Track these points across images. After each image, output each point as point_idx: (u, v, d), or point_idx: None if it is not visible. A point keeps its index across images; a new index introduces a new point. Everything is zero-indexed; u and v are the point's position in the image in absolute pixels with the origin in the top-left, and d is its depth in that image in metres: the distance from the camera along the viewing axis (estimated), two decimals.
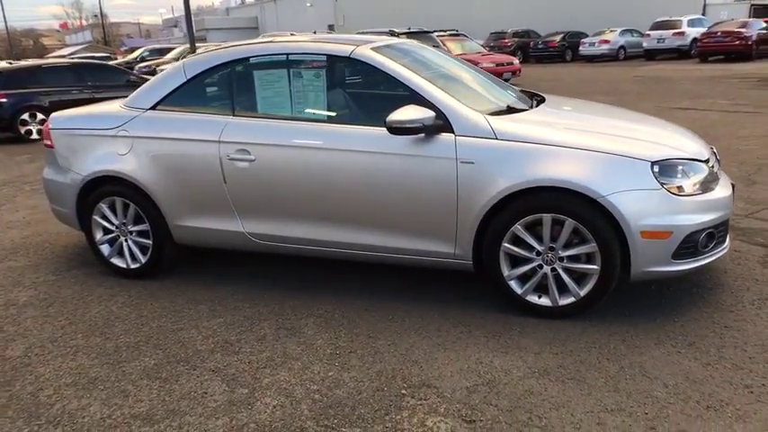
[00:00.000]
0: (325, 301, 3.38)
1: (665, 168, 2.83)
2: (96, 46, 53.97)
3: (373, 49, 3.32)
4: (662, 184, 2.79)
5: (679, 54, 22.88)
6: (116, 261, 3.90)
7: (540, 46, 27.36)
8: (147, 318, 3.33)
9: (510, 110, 3.28)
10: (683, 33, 22.26)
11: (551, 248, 2.92)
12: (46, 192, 4.17)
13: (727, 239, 3.10)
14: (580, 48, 25.60)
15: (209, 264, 4.06)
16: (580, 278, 2.94)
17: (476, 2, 37.29)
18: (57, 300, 3.65)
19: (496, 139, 2.92)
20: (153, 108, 3.65)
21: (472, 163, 2.92)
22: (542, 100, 3.70)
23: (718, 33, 19.97)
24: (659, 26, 23.12)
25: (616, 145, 2.88)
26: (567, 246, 2.89)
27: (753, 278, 3.35)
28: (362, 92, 3.46)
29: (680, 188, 2.84)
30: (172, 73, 3.67)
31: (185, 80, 3.59)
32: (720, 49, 19.93)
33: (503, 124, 2.97)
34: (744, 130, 7.84)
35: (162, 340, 3.07)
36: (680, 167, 2.88)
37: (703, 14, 25.93)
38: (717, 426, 2.17)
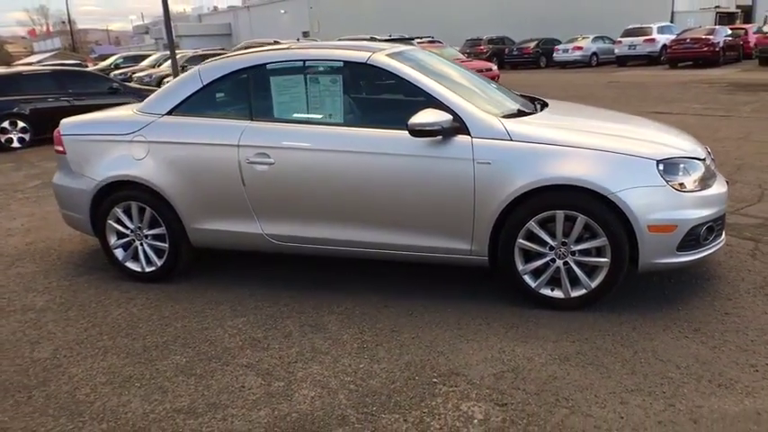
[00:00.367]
0: (343, 299, 3.49)
1: (668, 166, 3.03)
2: (65, 53, 53.00)
3: (388, 55, 3.46)
4: (667, 181, 2.99)
5: (649, 60, 23.59)
6: (131, 265, 3.95)
7: (514, 52, 27.88)
8: (170, 318, 3.41)
9: (520, 113, 3.46)
10: (653, 40, 22.98)
11: (563, 243, 3.09)
12: (57, 197, 4.20)
13: (723, 233, 3.32)
14: (554, 54, 26.18)
15: (222, 267, 4.14)
16: (591, 271, 3.12)
17: (450, 9, 37.81)
18: (75, 304, 3.69)
19: (511, 140, 3.09)
20: (169, 113, 3.72)
21: (489, 163, 3.08)
22: (545, 104, 3.88)
23: (687, 40, 20.67)
24: (630, 33, 23.82)
25: (623, 145, 3.07)
26: (578, 240, 3.07)
27: (746, 269, 3.58)
28: (379, 96, 3.60)
29: (682, 185, 3.04)
30: (188, 79, 3.76)
31: (201, 86, 3.68)
32: (689, 55, 20.63)
33: (516, 126, 3.14)
34: (719, 132, 8.19)
35: (189, 339, 3.14)
36: (681, 165, 3.09)
37: (671, 22, 26.80)
38: (729, 401, 2.35)
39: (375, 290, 3.60)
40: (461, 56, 19.25)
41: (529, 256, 3.19)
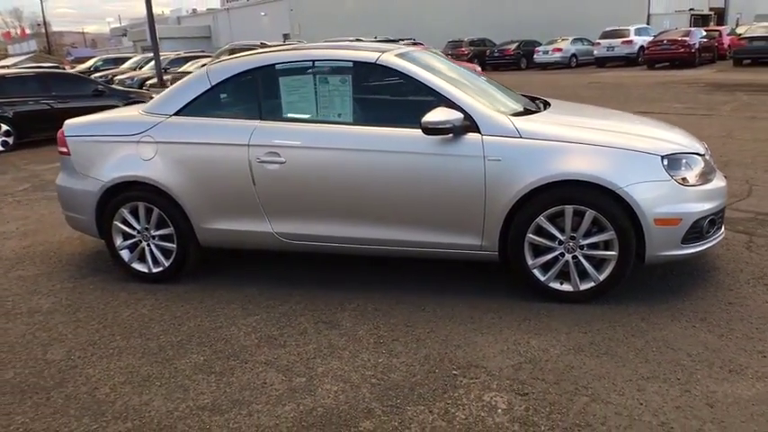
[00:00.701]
0: (355, 296, 3.53)
1: (672, 161, 3.13)
2: (41, 56, 52.11)
3: (397, 55, 3.52)
4: (671, 175, 3.09)
5: (627, 61, 24.04)
6: (137, 266, 3.94)
7: (495, 54, 28.17)
8: (182, 318, 3.41)
9: (526, 111, 3.53)
10: (631, 42, 23.42)
11: (572, 237, 3.17)
12: (60, 199, 4.17)
13: (723, 226, 3.43)
14: (534, 56, 26.51)
15: (228, 267, 4.14)
16: (598, 264, 3.20)
17: (430, 11, 38.05)
18: (82, 305, 3.67)
19: (521, 137, 3.16)
20: (177, 114, 3.72)
21: (499, 160, 3.15)
22: (547, 103, 3.97)
23: (664, 42, 21.11)
24: (608, 35, 24.24)
25: (629, 141, 3.17)
26: (586, 234, 3.15)
27: (743, 261, 3.70)
28: (388, 95, 3.65)
29: (684, 179, 3.14)
30: (195, 80, 3.77)
31: (210, 87, 3.69)
32: (667, 56, 21.07)
33: (525, 124, 3.22)
34: (703, 131, 8.39)
35: (204, 338, 3.15)
36: (683, 160, 3.19)
37: (648, 24, 27.31)
38: (742, 386, 2.45)
39: (385, 286, 3.64)
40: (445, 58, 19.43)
41: (538, 250, 3.26)
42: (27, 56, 46.74)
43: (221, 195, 3.62)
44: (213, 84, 3.69)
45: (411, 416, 2.39)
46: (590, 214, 3.09)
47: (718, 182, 3.32)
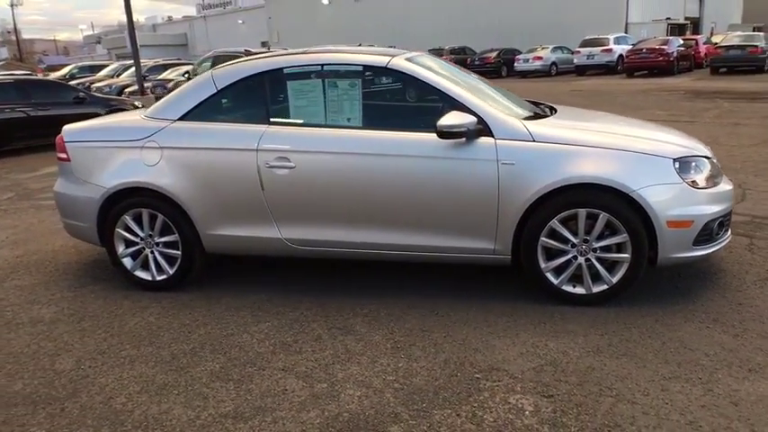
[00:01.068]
0: (366, 302, 3.50)
1: (683, 165, 3.18)
2: (12, 63, 51.13)
3: (407, 59, 3.52)
4: (682, 178, 3.13)
5: (606, 70, 24.45)
6: (140, 274, 3.86)
7: (476, 62, 28.38)
8: (191, 326, 3.35)
9: (536, 115, 3.56)
10: (610, 50, 23.84)
11: (585, 240, 3.20)
12: (59, 206, 4.08)
13: (729, 229, 3.49)
14: (515, 64, 26.82)
15: (232, 274, 4.09)
16: (611, 267, 3.23)
17: (409, 19, 38.30)
18: (86, 315, 3.58)
19: (534, 141, 3.18)
20: (181, 119, 3.67)
21: (513, 164, 3.16)
22: (553, 108, 4.00)
23: (644, 50, 21.54)
24: (588, 43, 24.65)
25: (641, 144, 3.21)
26: (599, 237, 3.18)
27: (747, 263, 3.77)
28: (398, 100, 3.65)
29: (694, 182, 3.19)
30: (200, 85, 3.72)
31: (215, 91, 3.65)
32: (646, 64, 21.50)
33: (538, 128, 3.24)
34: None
35: (217, 345, 3.10)
36: (693, 163, 3.25)
37: (626, 32, 27.85)
38: (763, 385, 2.48)
39: (395, 291, 3.63)
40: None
41: (550, 253, 3.28)
42: None
43: (228, 201, 3.57)
44: (219, 88, 3.65)
45: (439, 419, 2.38)
46: (603, 217, 3.12)
47: (725, 185, 3.38)
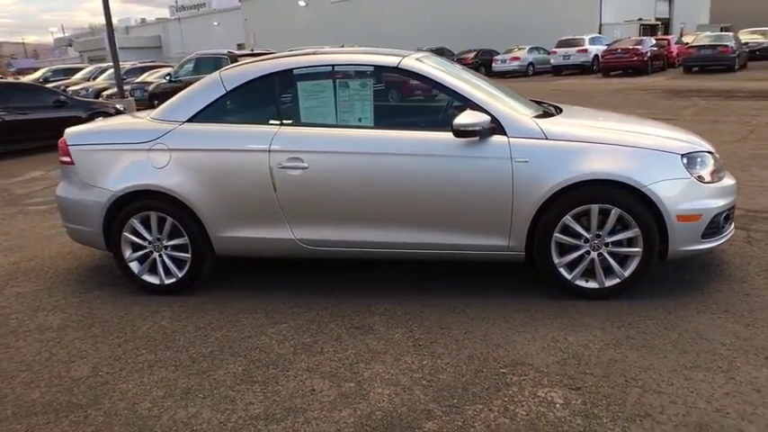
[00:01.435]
0: (380, 301, 3.51)
1: (690, 160, 3.27)
2: None
3: (417, 59, 3.55)
4: (690, 173, 3.21)
5: (582, 70, 24.85)
6: (148, 278, 3.81)
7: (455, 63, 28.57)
8: (207, 329, 3.32)
9: (545, 114, 3.61)
10: (586, 50, 24.25)
11: (597, 235, 3.26)
12: (61, 211, 4.00)
13: (733, 222, 3.59)
14: (493, 64, 27.08)
15: (238, 277, 4.06)
16: (623, 261, 3.30)
17: (387, 21, 38.41)
18: (95, 320, 3.52)
19: (546, 139, 3.23)
20: (190, 120, 3.64)
21: (526, 162, 3.21)
22: (558, 107, 4.06)
23: (619, 50, 21.95)
24: (564, 44, 25.02)
25: (649, 141, 3.29)
26: (611, 232, 3.24)
27: (747, 255, 3.88)
28: (409, 99, 3.67)
29: (700, 177, 3.28)
30: (209, 86, 3.69)
31: (224, 92, 3.63)
32: (621, 64, 21.90)
33: (550, 126, 3.29)
34: None
35: (236, 348, 3.08)
36: (698, 159, 3.33)
37: (600, 33, 28.34)
38: None
39: (409, 290, 3.64)
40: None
41: (563, 249, 3.33)
42: None
43: (240, 202, 3.55)
44: (228, 89, 3.63)
45: (472, 415, 2.40)
46: (615, 212, 3.18)
47: (729, 179, 3.48)
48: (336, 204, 3.44)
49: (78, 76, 24.59)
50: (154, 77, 18.35)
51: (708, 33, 22.38)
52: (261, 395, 2.64)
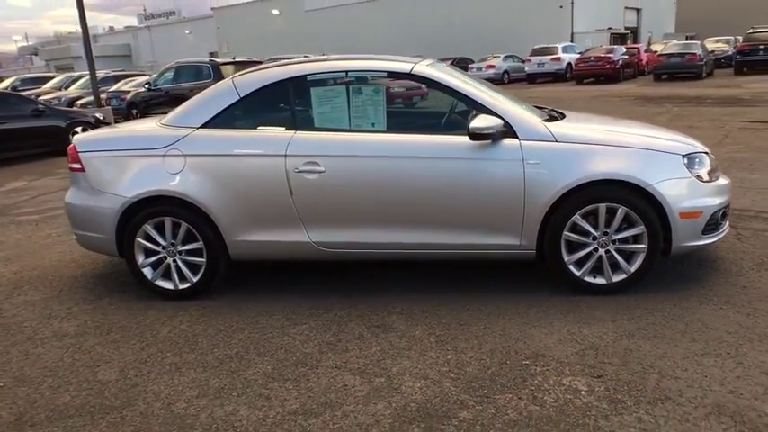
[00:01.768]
0: (396, 301, 3.61)
1: (690, 160, 3.46)
2: None
3: (428, 66, 3.68)
4: (690, 173, 3.40)
5: (555, 77, 25.41)
6: (161, 283, 3.84)
7: None
8: (228, 331, 3.37)
9: (552, 118, 3.77)
10: (559, 59, 24.82)
11: (605, 233, 3.42)
12: (71, 218, 4.00)
13: (728, 219, 3.79)
14: (468, 72, 27.43)
15: (252, 281, 4.11)
16: (628, 257, 3.46)
17: (359, 29, 38.63)
18: (113, 326, 3.54)
19: (556, 141, 3.38)
20: (203, 126, 3.70)
21: (538, 163, 3.35)
22: (560, 112, 4.21)
23: (591, 58, 22.53)
24: (538, 52, 25.57)
25: (652, 142, 3.47)
26: (618, 230, 3.40)
27: (740, 250, 4.09)
28: (421, 104, 3.79)
29: (699, 176, 3.47)
30: (222, 92, 3.76)
31: (238, 98, 3.70)
32: (594, 72, 22.47)
33: (559, 129, 3.45)
34: None
35: (261, 348, 3.14)
36: (697, 159, 3.53)
37: (572, 41, 29.03)
38: None
39: (422, 290, 3.74)
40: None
41: (572, 246, 3.48)
42: None
43: (256, 206, 3.62)
44: (242, 95, 3.70)
45: (503, 403, 2.51)
46: (622, 210, 3.35)
47: (724, 179, 3.68)
48: (352, 207, 3.54)
49: (49, 85, 24.17)
50: (129, 86, 18.16)
51: (676, 42, 23.14)
52: (294, 392, 2.71)
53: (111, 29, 73.36)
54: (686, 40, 28.21)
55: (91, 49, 15.60)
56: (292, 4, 43.62)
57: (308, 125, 3.64)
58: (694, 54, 20.79)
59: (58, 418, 2.63)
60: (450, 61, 28.66)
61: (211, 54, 45.27)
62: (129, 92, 16.62)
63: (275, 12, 44.72)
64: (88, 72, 22.60)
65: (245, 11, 46.63)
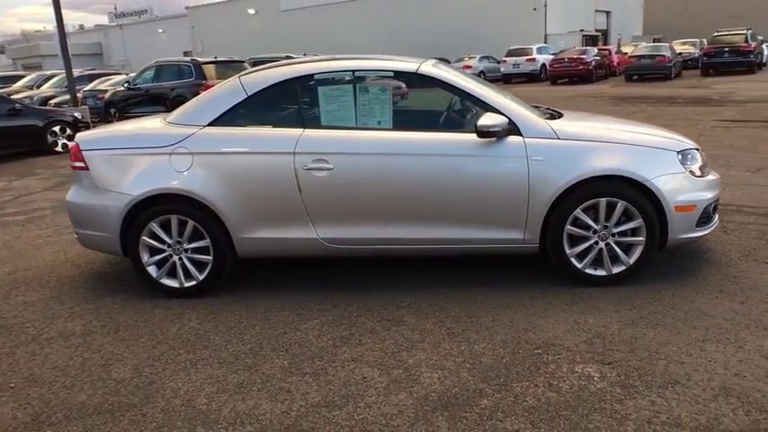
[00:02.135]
0: (403, 296, 3.67)
1: (683, 156, 3.60)
2: None
3: (433, 65, 3.75)
4: (684, 168, 3.55)
5: (530, 78, 25.80)
6: (167, 281, 3.83)
7: None
8: (239, 328, 3.39)
9: (552, 116, 3.89)
10: (534, 59, 25.22)
11: (605, 227, 3.54)
12: (73, 217, 3.97)
13: (717, 212, 3.96)
14: None
15: (259, 278, 4.13)
16: (627, 249, 3.59)
17: (336, 30, 38.60)
18: (120, 324, 3.53)
19: (558, 138, 3.49)
20: (211, 125, 3.71)
21: (541, 160, 3.46)
22: (558, 111, 4.33)
23: (565, 59, 22.96)
24: (513, 53, 25.94)
25: (649, 139, 3.62)
26: (617, 223, 3.53)
27: (727, 243, 4.27)
28: (426, 103, 3.87)
29: (692, 171, 3.62)
30: (229, 90, 3.77)
31: (246, 97, 3.72)
32: (568, 72, 22.91)
33: (561, 127, 3.56)
34: None
35: (275, 344, 3.17)
36: (689, 155, 3.68)
37: (545, 43, 29.50)
38: None
39: (427, 285, 3.82)
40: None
41: (573, 240, 3.60)
42: None
43: (264, 204, 3.64)
44: (249, 94, 3.72)
45: (521, 391, 2.60)
46: (621, 205, 3.48)
47: (713, 174, 3.84)
48: (361, 203, 3.59)
49: (19, 84, 23.58)
50: (105, 85, 17.85)
51: (645, 44, 23.72)
52: (315, 385, 2.75)
53: (82, 27, 71.74)
54: (653, 42, 28.96)
55: (67, 48, 15.25)
56: (268, 3, 43.36)
57: (316, 123, 3.68)
58: (664, 56, 21.35)
59: (77, 416, 2.62)
60: None
61: (185, 53, 44.70)
62: (105, 91, 16.32)
63: (251, 11, 44.39)
64: (59, 70, 22.12)
65: (220, 10, 46.18)
